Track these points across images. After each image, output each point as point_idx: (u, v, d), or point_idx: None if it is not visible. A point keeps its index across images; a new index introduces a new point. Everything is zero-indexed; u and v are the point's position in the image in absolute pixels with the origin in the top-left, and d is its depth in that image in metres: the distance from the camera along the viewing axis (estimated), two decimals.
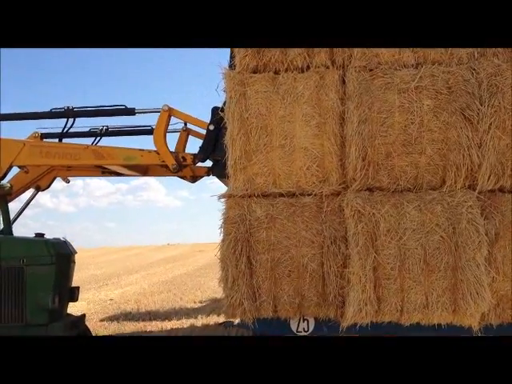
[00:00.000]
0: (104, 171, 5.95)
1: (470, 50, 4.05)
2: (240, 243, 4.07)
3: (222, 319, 7.80)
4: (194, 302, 10.10)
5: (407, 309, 3.80)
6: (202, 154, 5.24)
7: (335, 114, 4.07)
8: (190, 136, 5.85)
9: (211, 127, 5.08)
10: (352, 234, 3.85)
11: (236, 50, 4.36)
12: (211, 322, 7.80)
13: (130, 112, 5.57)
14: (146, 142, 5.69)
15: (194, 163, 5.41)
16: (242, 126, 4.19)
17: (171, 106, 5.40)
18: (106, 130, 5.81)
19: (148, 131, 5.75)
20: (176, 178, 5.91)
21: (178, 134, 5.83)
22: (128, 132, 5.98)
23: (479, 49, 4.03)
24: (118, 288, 12.81)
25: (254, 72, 4.30)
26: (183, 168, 5.48)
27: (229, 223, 4.15)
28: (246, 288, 4.01)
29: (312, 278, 4.01)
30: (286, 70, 4.23)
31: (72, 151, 5.34)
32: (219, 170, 4.96)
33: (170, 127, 5.57)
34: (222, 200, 4.35)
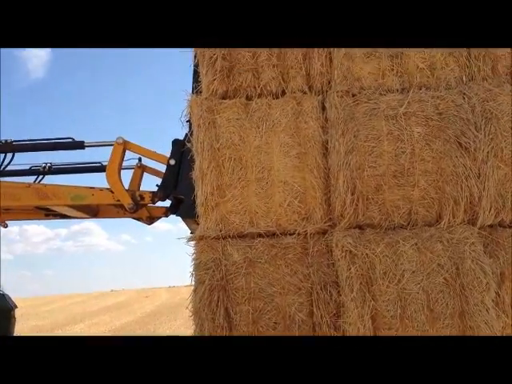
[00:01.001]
0: (48, 213, 5.22)
1: (457, 74, 3.79)
2: (216, 292, 3.51)
3: None
4: None
5: None
6: (163, 192, 4.67)
7: (317, 144, 3.67)
8: (145, 173, 5.28)
9: (172, 162, 4.54)
10: (345, 278, 3.39)
11: (202, 73, 3.90)
12: None
13: (79, 145, 4.92)
14: (96, 181, 5.03)
15: (154, 202, 4.82)
16: (213, 158, 3.70)
17: (126, 139, 4.83)
18: (50, 167, 5.11)
19: (98, 168, 5.10)
20: (118, 221, 5.29)
21: (132, 170, 5.24)
22: (75, 169, 5.30)
23: (467, 73, 3.78)
24: None
25: (224, 98, 3.84)
26: (140, 208, 4.88)
27: (202, 269, 3.59)
28: None
29: (301, 331, 3.48)
30: (260, 96, 3.81)
31: (11, 191, 4.61)
32: (185, 210, 4.40)
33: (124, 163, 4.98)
34: (191, 243, 3.81)
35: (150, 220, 5.34)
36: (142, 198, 4.77)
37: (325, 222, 3.65)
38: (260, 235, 3.68)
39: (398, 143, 3.55)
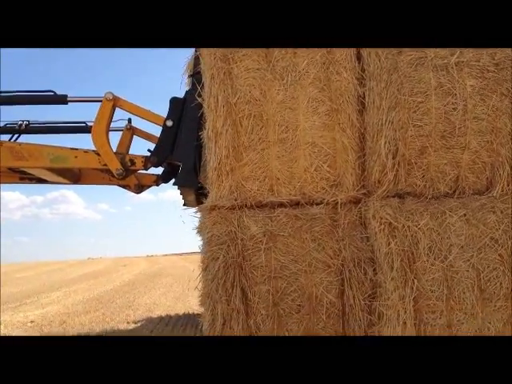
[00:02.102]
0: (23, 177, 4.62)
1: None
2: (231, 270, 3.03)
3: None
4: (128, 323, 8.81)
5: None
6: (157, 157, 4.08)
7: (351, 98, 3.16)
8: (135, 136, 4.69)
9: (169, 123, 3.96)
10: (383, 254, 2.93)
11: None
12: None
13: (61, 100, 4.28)
14: (80, 144, 4.44)
15: (146, 168, 4.24)
16: (229, 116, 3.17)
17: (116, 95, 4.22)
18: (27, 125, 4.48)
19: (82, 129, 4.49)
20: (95, 189, 4.75)
21: (120, 133, 4.64)
22: (56, 129, 4.67)
23: None
24: (39, 308, 11.17)
25: None
26: (130, 174, 4.30)
27: (214, 244, 3.09)
28: (241, 331, 2.97)
29: (329, 314, 3.04)
30: None
31: None
32: (183, 177, 3.85)
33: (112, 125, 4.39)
34: (199, 215, 3.32)
35: (139, 188, 4.78)
36: (133, 163, 4.19)
37: (357, 190, 3.17)
38: (282, 205, 3.19)
39: (448, 98, 3.06)
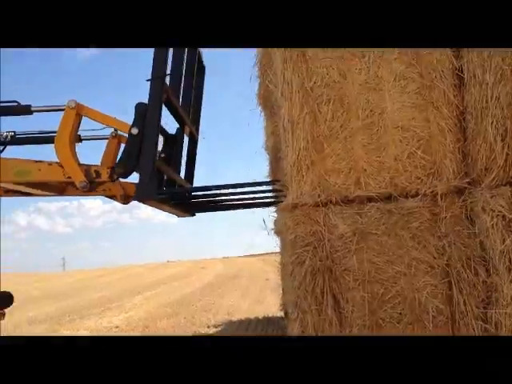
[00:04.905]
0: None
1: None
2: (320, 276, 2.71)
3: None
4: (208, 327, 8.78)
5: None
6: (122, 168, 3.79)
7: (446, 72, 2.74)
8: (122, 144, 4.43)
9: (134, 131, 3.62)
10: (499, 252, 2.49)
11: None
12: None
13: (25, 110, 4.08)
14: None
15: (112, 179, 3.96)
16: (306, 102, 2.84)
17: (80, 102, 3.95)
18: (13, 136, 4.30)
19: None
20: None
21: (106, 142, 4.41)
22: (44, 140, 4.48)
23: None
24: (122, 312, 11.49)
25: None
26: (97, 186, 4.04)
27: (299, 247, 2.78)
28: None
29: (436, 324, 2.65)
30: None
31: None
32: (142, 191, 3.54)
33: (97, 133, 4.16)
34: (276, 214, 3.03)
35: (126, 199, 4.51)
36: (99, 175, 3.90)
37: (460, 178, 2.74)
38: (371, 199, 2.84)
39: None
